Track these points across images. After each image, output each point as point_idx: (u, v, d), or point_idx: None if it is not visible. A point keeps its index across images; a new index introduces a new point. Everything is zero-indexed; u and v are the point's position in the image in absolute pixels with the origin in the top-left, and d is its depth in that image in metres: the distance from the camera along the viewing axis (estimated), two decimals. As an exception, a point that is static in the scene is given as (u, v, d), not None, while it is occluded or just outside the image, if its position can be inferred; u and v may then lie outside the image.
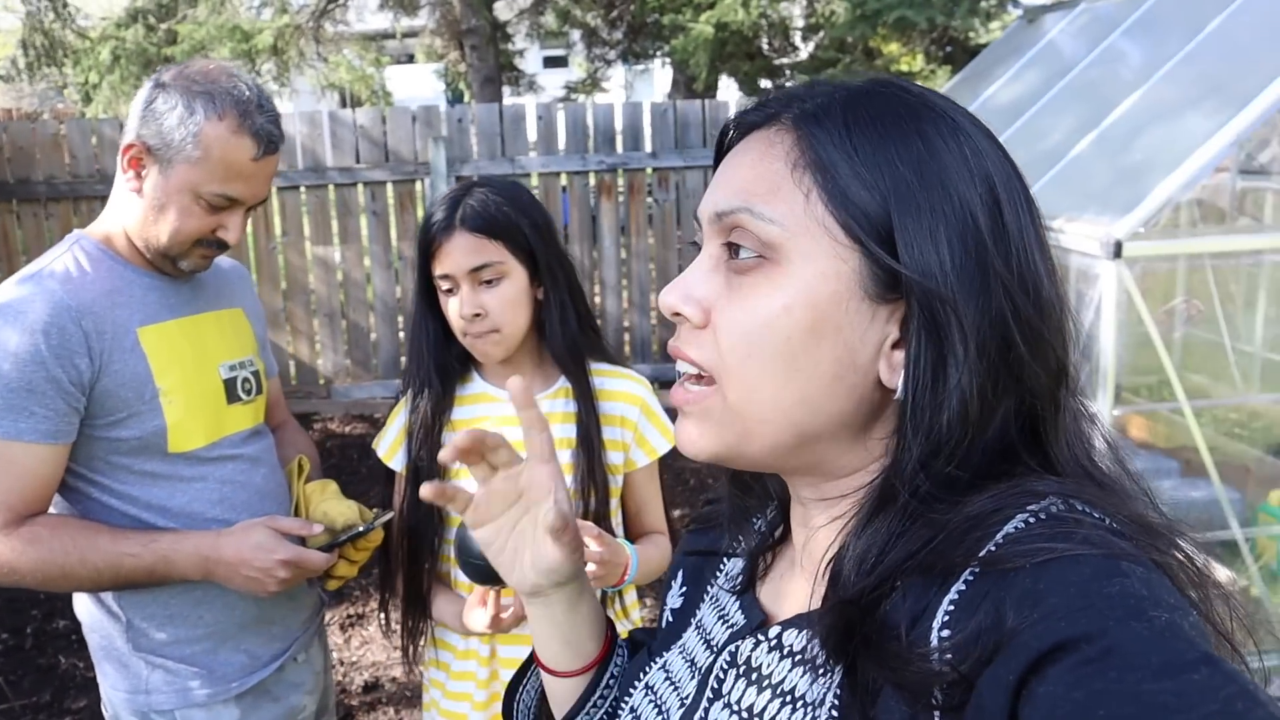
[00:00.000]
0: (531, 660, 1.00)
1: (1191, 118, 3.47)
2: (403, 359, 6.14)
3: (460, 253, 1.60)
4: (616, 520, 1.78)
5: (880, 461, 0.67)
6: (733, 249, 0.67)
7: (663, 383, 6.22)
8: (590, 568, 1.46)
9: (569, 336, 1.72)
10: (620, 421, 1.76)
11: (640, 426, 1.77)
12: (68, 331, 1.46)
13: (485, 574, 1.44)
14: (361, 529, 1.64)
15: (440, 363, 1.70)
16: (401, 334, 6.22)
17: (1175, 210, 3.33)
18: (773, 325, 0.64)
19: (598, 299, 6.37)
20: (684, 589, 0.91)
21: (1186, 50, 3.84)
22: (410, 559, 1.74)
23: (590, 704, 0.92)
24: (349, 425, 6.06)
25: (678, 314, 0.68)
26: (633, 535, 1.82)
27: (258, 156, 1.54)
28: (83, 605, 1.68)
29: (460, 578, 1.72)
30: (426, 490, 0.86)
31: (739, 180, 0.67)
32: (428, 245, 1.63)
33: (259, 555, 1.52)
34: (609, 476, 1.73)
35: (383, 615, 1.87)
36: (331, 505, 1.69)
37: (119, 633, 1.63)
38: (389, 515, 1.71)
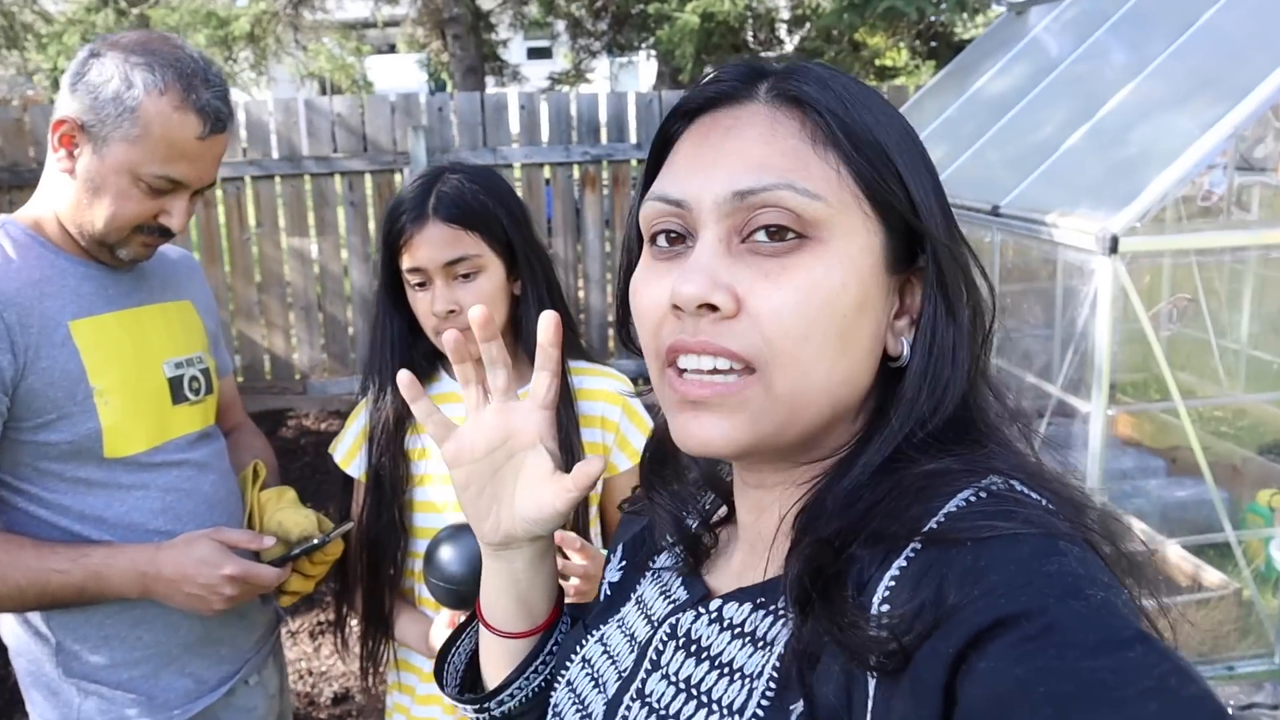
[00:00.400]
0: (471, 620, 0.97)
1: (1186, 111, 3.39)
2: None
3: (434, 245, 1.49)
4: (595, 530, 1.67)
5: (856, 424, 0.69)
6: (765, 232, 0.63)
7: (646, 379, 6.07)
8: (573, 582, 1.36)
9: (532, 339, 1.61)
10: (600, 423, 1.65)
11: (622, 427, 1.66)
12: None
13: (457, 598, 1.33)
14: (317, 541, 1.52)
15: (405, 362, 1.58)
16: (379, 328, 6.08)
17: (1165, 207, 3.24)
18: (832, 304, 0.63)
19: (581, 293, 6.26)
20: (623, 563, 0.90)
21: (1178, 44, 3.76)
22: (370, 573, 1.62)
23: (532, 668, 0.90)
24: (325, 422, 5.93)
25: (705, 305, 0.63)
26: (609, 545, 1.71)
27: (203, 135, 1.41)
28: (7, 626, 1.56)
29: (426, 594, 1.61)
30: (403, 379, 0.82)
31: (754, 156, 0.64)
32: (396, 236, 1.51)
33: (202, 570, 1.41)
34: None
35: (339, 633, 1.75)
36: (287, 515, 1.57)
37: (47, 657, 1.50)
38: (348, 526, 1.59)
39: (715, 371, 0.64)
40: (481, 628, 0.92)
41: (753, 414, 0.64)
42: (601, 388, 1.67)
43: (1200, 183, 3.34)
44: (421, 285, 1.51)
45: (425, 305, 1.51)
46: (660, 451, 0.84)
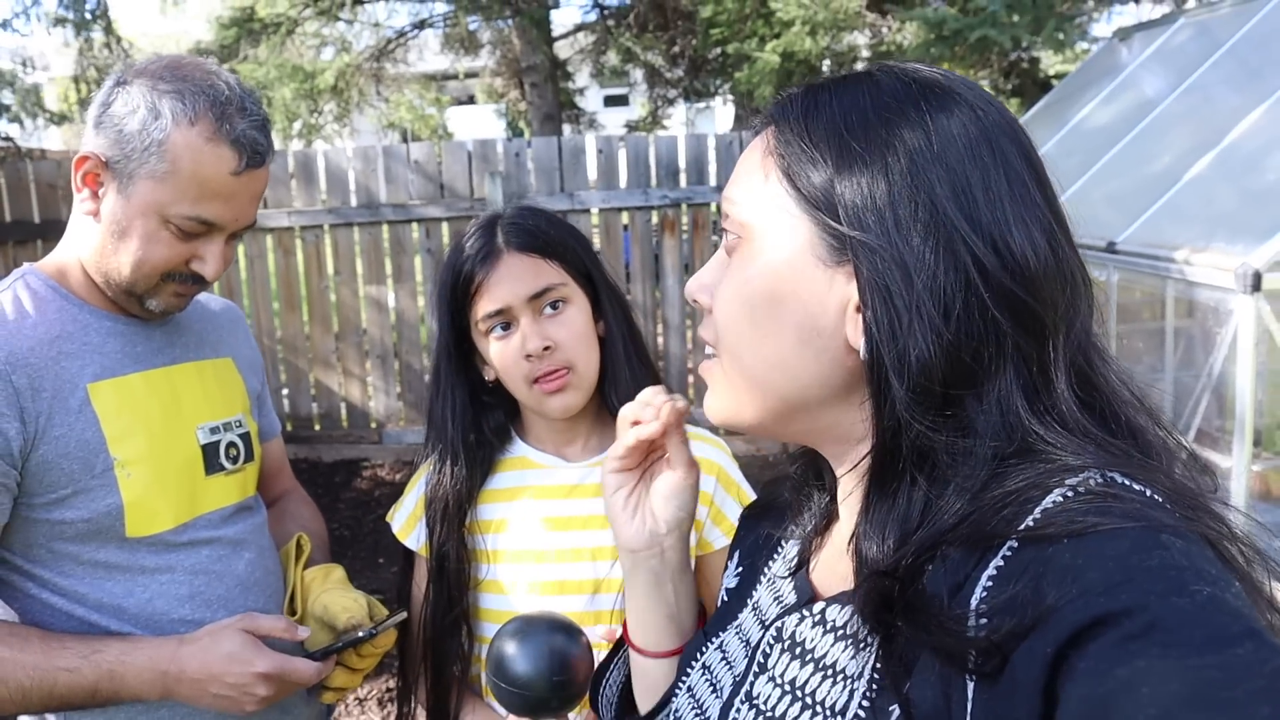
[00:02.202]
0: (619, 647, 1.00)
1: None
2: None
3: (515, 279, 1.32)
4: None
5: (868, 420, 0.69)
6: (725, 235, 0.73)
7: (729, 432, 5.87)
8: None
9: (636, 385, 1.41)
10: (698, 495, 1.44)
11: (716, 499, 1.45)
12: None
13: (528, 705, 1.11)
14: (363, 634, 1.32)
15: (467, 436, 1.40)
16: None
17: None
18: (740, 293, 0.70)
19: (660, 340, 6.07)
20: (739, 569, 0.91)
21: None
22: (435, 668, 1.42)
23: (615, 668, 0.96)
24: (400, 472, 5.81)
25: (696, 300, 0.76)
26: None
27: (238, 170, 1.24)
28: (20, 726, 1.38)
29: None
30: None
31: (733, 178, 0.74)
32: (464, 285, 1.34)
33: (231, 668, 1.21)
34: None
35: (405, 708, 1.55)
36: (333, 598, 1.37)
37: (61, 762, 1.32)
38: (401, 615, 1.38)
39: (708, 355, 0.76)
40: (631, 653, 0.94)
41: (718, 389, 0.75)
42: (696, 454, 1.46)
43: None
44: (505, 329, 1.34)
45: (514, 350, 1.33)
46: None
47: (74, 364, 1.26)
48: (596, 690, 1.02)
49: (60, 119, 7.97)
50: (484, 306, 1.33)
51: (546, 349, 1.32)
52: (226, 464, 1.40)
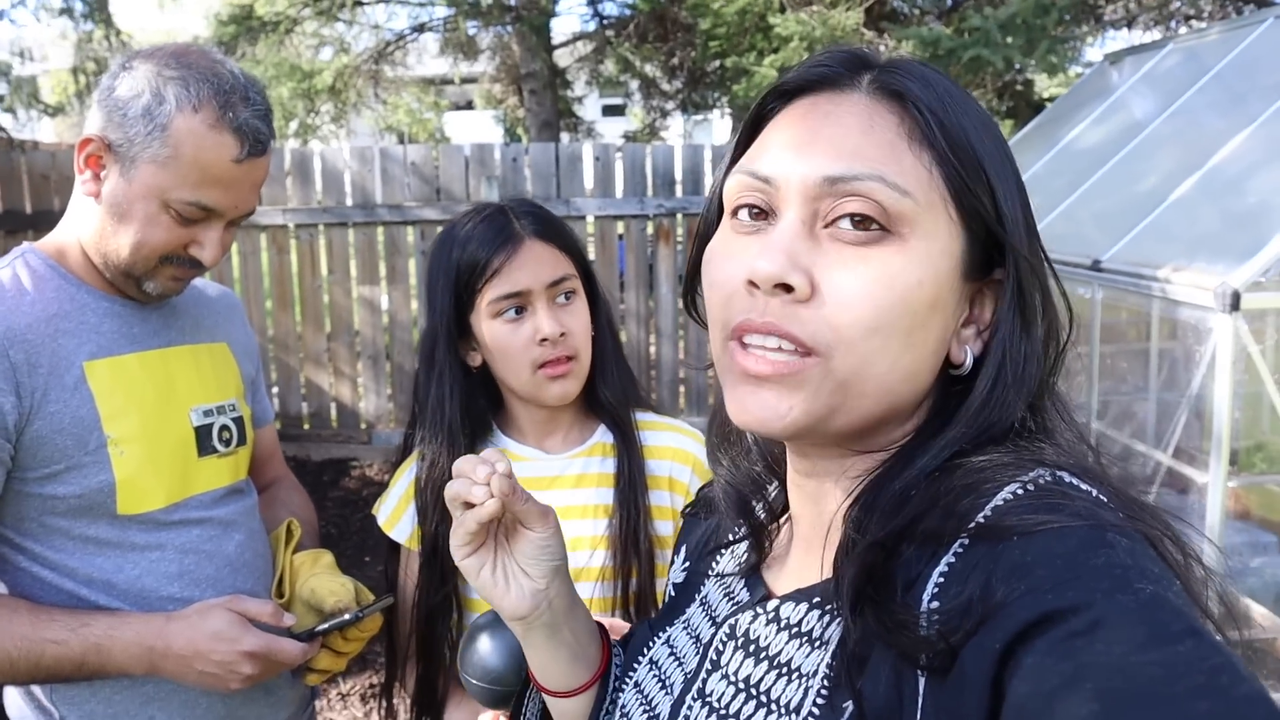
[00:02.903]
0: (527, 684, 0.97)
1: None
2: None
3: (538, 264, 1.36)
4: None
5: (912, 424, 0.68)
6: (851, 220, 0.63)
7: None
8: None
9: (623, 379, 1.45)
10: (669, 484, 1.48)
11: (692, 490, 1.48)
12: None
13: (495, 698, 1.13)
14: (350, 616, 1.34)
15: (461, 417, 1.42)
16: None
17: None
18: (907, 299, 0.62)
19: (653, 348, 6.10)
20: (686, 564, 0.90)
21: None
22: (424, 653, 1.44)
23: (601, 715, 0.90)
24: (388, 473, 5.79)
25: (781, 285, 0.63)
26: None
27: (240, 158, 1.27)
28: (10, 697, 1.40)
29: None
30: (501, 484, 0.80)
31: (849, 144, 0.64)
32: (479, 268, 1.36)
33: (217, 646, 1.24)
34: (655, 550, 1.44)
35: (385, 702, 1.57)
36: (321, 581, 1.40)
37: (49, 734, 1.34)
38: (388, 600, 1.41)
39: (780, 350, 0.64)
40: (546, 697, 0.92)
41: (809, 394, 0.64)
42: (671, 444, 1.50)
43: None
44: (518, 312, 1.37)
45: (526, 334, 1.36)
46: (725, 430, 0.84)
47: (71, 342, 1.29)
48: None
49: (56, 110, 7.98)
50: (500, 288, 1.35)
51: (562, 335, 1.36)
52: (219, 446, 1.43)
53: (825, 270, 0.63)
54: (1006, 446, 0.63)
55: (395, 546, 1.53)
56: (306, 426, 6.05)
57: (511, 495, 0.81)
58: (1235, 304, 2.74)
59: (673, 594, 0.89)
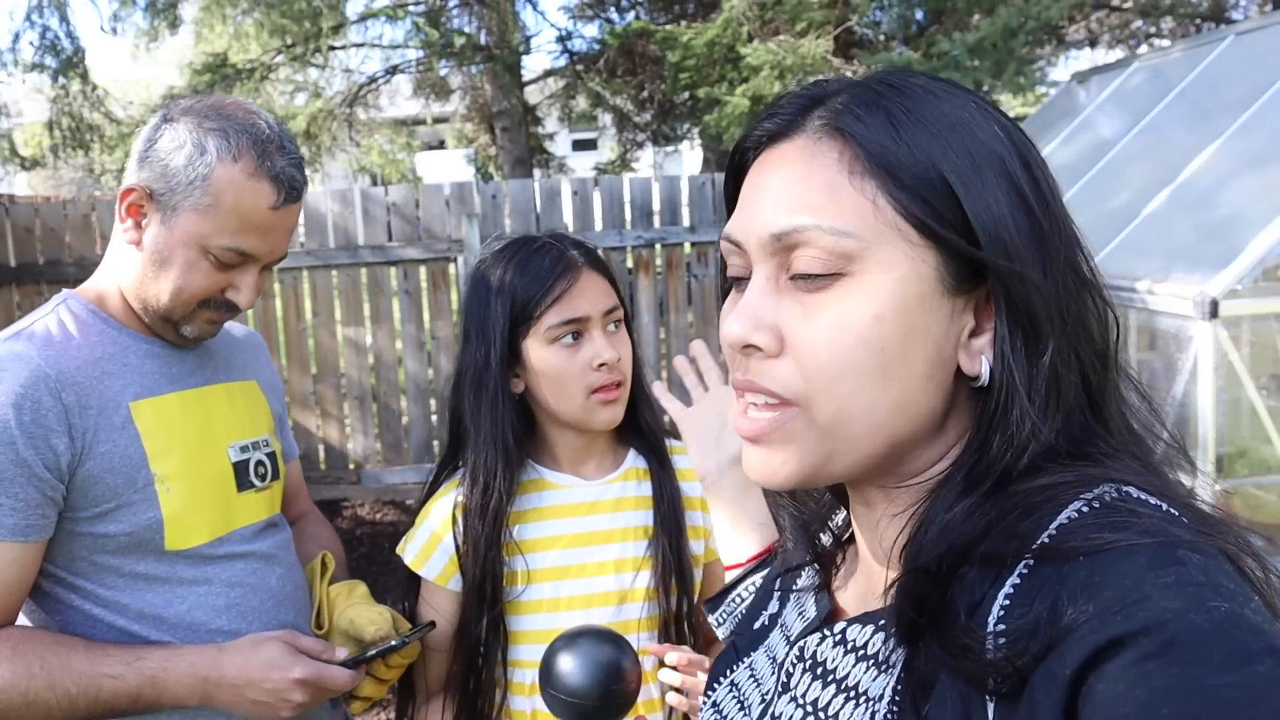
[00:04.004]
0: (734, 585, 1.06)
1: (1277, 171, 3.24)
2: (435, 443, 5.93)
3: (594, 292, 1.42)
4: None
5: (954, 450, 0.67)
6: (790, 268, 0.64)
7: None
8: (675, 699, 1.21)
9: (651, 408, 1.50)
10: (701, 504, 1.53)
11: None
12: (43, 405, 1.24)
13: (582, 714, 1.16)
14: (394, 643, 1.37)
15: (513, 442, 1.44)
16: (434, 417, 6.00)
17: (1264, 269, 3.07)
18: (866, 339, 0.62)
19: (636, 377, 6.14)
20: (779, 592, 0.90)
21: (1256, 107, 3.64)
22: (467, 696, 1.46)
23: (748, 581, 1.02)
24: (380, 512, 5.82)
25: (749, 345, 0.65)
26: (708, 637, 1.56)
27: (277, 205, 1.32)
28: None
29: (518, 707, 1.46)
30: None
31: (790, 196, 0.64)
32: (541, 293, 1.39)
33: (270, 675, 1.27)
34: (692, 568, 1.50)
35: None
36: (359, 612, 1.43)
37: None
38: (431, 626, 1.44)
39: (765, 406, 0.65)
40: (730, 576, 1.05)
41: (798, 446, 0.65)
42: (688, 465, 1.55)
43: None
44: (575, 338, 1.41)
45: (583, 359, 1.40)
46: None
47: (116, 383, 1.32)
48: (718, 601, 1.06)
49: (32, 164, 7.96)
50: (561, 314, 1.39)
51: (618, 361, 1.41)
52: (256, 481, 1.46)
53: (790, 323, 0.64)
54: (1067, 464, 0.61)
55: (415, 582, 1.53)
56: (296, 469, 6.03)
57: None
58: (1214, 311, 2.83)
59: (766, 623, 0.88)
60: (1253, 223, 3.00)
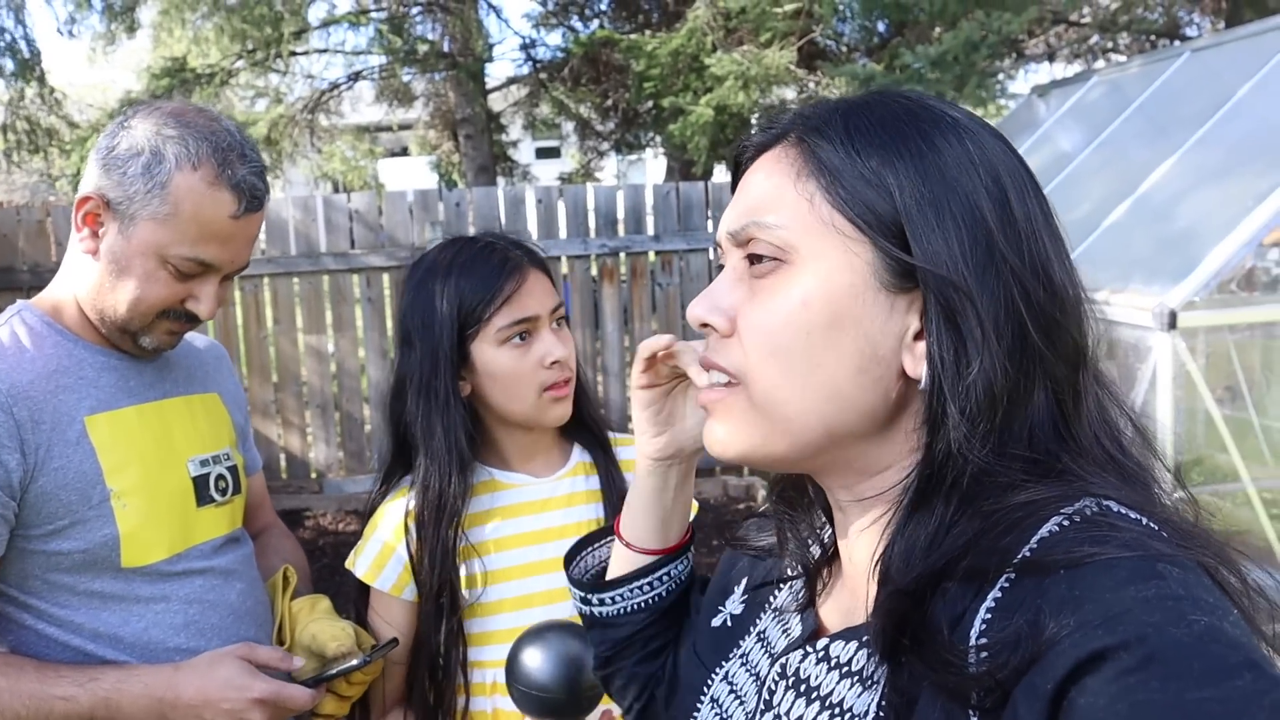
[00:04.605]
0: (608, 532, 1.05)
1: (1233, 185, 3.30)
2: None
3: (542, 292, 1.43)
4: None
5: (913, 456, 0.67)
6: (753, 260, 0.70)
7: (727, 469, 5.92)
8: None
9: (593, 402, 1.51)
10: None
11: None
12: None
13: (547, 707, 1.15)
14: (357, 661, 1.35)
15: (466, 446, 1.43)
16: (397, 425, 5.94)
17: (1221, 281, 3.12)
18: (792, 321, 0.66)
19: (600, 388, 6.13)
20: (745, 596, 0.90)
21: (1212, 121, 3.71)
22: (429, 704, 1.44)
23: (645, 582, 0.96)
24: (343, 521, 5.75)
25: (705, 324, 0.72)
26: None
27: (238, 214, 1.30)
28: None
29: (480, 708, 1.44)
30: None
31: (749, 199, 0.71)
32: (491, 294, 1.39)
33: (228, 694, 1.24)
34: None
35: None
36: (322, 627, 1.40)
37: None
38: (394, 643, 1.41)
39: (717, 384, 0.71)
40: (616, 542, 0.98)
41: (741, 421, 0.70)
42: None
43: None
44: (522, 338, 1.41)
45: (534, 358, 1.41)
46: (784, 477, 0.86)
47: (71, 397, 1.29)
48: (574, 555, 1.05)
49: (-15, 168, 7.82)
50: (510, 315, 1.40)
51: (567, 358, 1.42)
52: (216, 496, 1.43)
53: (743, 307, 0.69)
54: (1046, 476, 0.62)
55: (364, 590, 1.50)
56: (255, 479, 5.95)
57: (682, 352, 0.84)
58: (1173, 323, 2.87)
59: (729, 625, 0.89)
60: (1209, 236, 3.05)
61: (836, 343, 0.65)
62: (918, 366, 0.65)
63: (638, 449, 0.93)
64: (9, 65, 6.63)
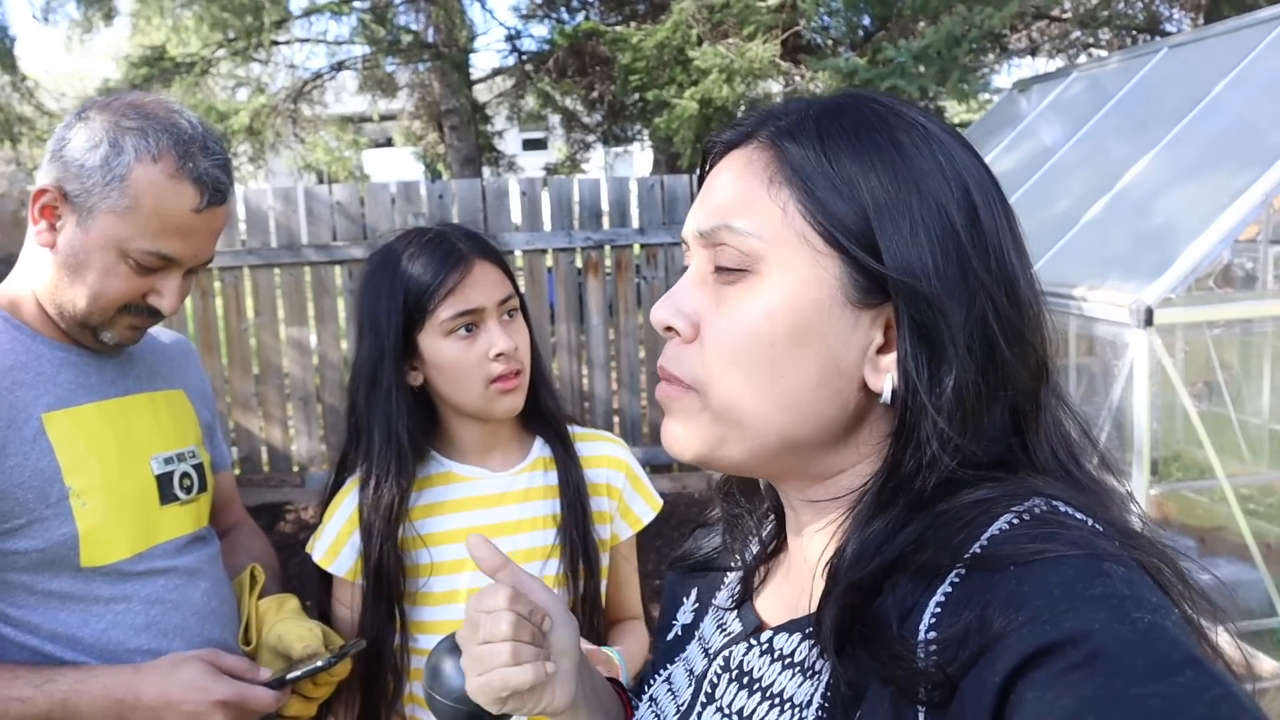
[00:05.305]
0: None
1: (1210, 181, 3.31)
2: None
3: (488, 283, 1.42)
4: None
5: (869, 462, 0.68)
6: (718, 267, 0.69)
7: (654, 466, 5.94)
8: None
9: (553, 395, 1.52)
10: (606, 490, 1.56)
11: (625, 495, 1.57)
12: None
13: (462, 717, 1.14)
14: (322, 663, 1.33)
15: (410, 438, 1.44)
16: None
17: (1197, 277, 3.13)
18: (756, 332, 0.66)
19: (585, 379, 6.12)
20: (695, 605, 0.90)
21: (1190, 117, 3.71)
22: (366, 689, 1.45)
23: None
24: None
25: (669, 328, 0.70)
26: (610, 619, 1.61)
27: (200, 207, 1.28)
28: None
29: (423, 715, 1.44)
30: (480, 552, 0.85)
31: (718, 199, 0.69)
32: (434, 286, 1.39)
33: (189, 696, 1.23)
34: (598, 553, 1.52)
35: None
36: (289, 627, 1.39)
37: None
38: (360, 644, 1.40)
39: (674, 385, 0.70)
40: None
41: (696, 425, 0.69)
42: (603, 453, 1.58)
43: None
44: (469, 330, 1.41)
45: (480, 350, 1.40)
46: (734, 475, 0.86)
47: (28, 394, 1.27)
48: None
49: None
50: (454, 306, 1.39)
51: (515, 350, 1.40)
52: (180, 494, 1.41)
53: (706, 313, 0.69)
54: (998, 478, 0.63)
55: (326, 580, 1.53)
56: (237, 472, 5.92)
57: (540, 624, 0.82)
58: (1149, 320, 2.88)
59: (679, 633, 0.90)
60: (1186, 232, 3.05)
61: (799, 356, 0.65)
62: (880, 380, 0.66)
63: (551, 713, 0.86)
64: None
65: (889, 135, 0.66)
